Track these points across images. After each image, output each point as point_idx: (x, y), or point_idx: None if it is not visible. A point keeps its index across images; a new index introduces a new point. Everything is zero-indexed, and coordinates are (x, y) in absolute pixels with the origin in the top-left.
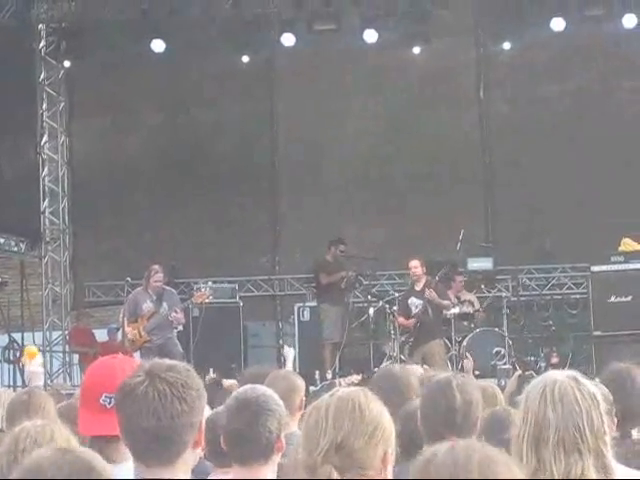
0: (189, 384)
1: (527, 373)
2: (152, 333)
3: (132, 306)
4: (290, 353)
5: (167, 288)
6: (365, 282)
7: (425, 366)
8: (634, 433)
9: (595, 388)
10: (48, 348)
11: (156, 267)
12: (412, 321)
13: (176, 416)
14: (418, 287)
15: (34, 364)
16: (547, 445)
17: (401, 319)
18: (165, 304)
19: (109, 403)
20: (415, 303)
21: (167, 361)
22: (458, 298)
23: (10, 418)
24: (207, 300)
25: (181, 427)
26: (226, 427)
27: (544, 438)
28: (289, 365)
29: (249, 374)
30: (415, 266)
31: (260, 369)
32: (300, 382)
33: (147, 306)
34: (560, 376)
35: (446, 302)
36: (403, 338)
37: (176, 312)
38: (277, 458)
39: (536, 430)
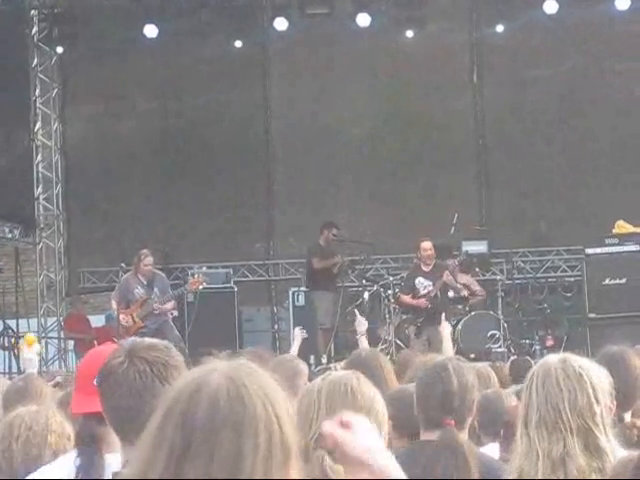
0: (170, 363)
1: (522, 358)
2: (146, 319)
3: (123, 291)
4: (298, 335)
5: (157, 272)
6: (359, 267)
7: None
8: (627, 417)
9: (593, 369)
10: (43, 334)
11: (145, 251)
12: (423, 301)
13: (157, 395)
14: (426, 268)
15: (30, 351)
16: (531, 425)
17: (407, 298)
18: (156, 289)
19: None
20: (423, 283)
21: (147, 340)
22: None
23: (6, 405)
24: (201, 287)
25: None
26: None
27: (530, 419)
28: (294, 348)
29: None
30: (430, 248)
31: (255, 352)
32: (304, 367)
33: (138, 292)
34: (551, 359)
35: (459, 286)
36: (404, 316)
37: (161, 304)
38: None
39: (524, 411)
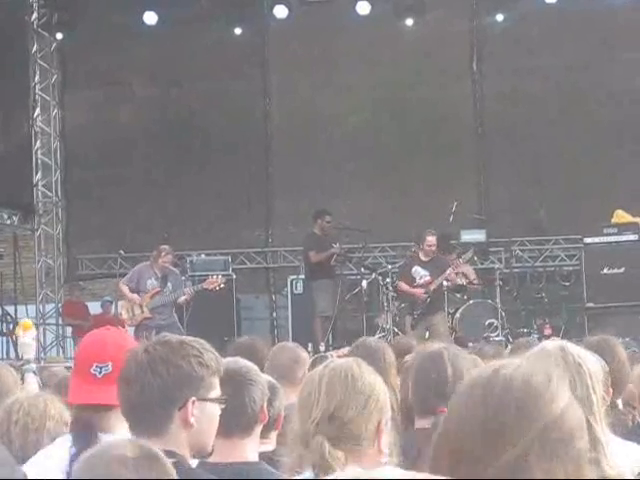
0: (170, 359)
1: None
2: (155, 311)
3: (134, 279)
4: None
5: (172, 269)
6: (358, 254)
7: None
8: (619, 403)
9: (589, 357)
10: (41, 321)
11: (167, 248)
12: (420, 291)
13: (146, 388)
14: (425, 258)
15: (27, 336)
16: None
17: (405, 285)
18: (170, 284)
19: (100, 373)
20: (420, 273)
21: (167, 335)
22: None
23: None
24: (218, 288)
25: (151, 400)
26: None
27: None
28: None
29: (238, 345)
30: (434, 244)
31: (250, 340)
32: (305, 355)
33: (151, 283)
34: (548, 345)
35: (459, 282)
36: (402, 305)
37: (184, 294)
38: (259, 430)
39: None
